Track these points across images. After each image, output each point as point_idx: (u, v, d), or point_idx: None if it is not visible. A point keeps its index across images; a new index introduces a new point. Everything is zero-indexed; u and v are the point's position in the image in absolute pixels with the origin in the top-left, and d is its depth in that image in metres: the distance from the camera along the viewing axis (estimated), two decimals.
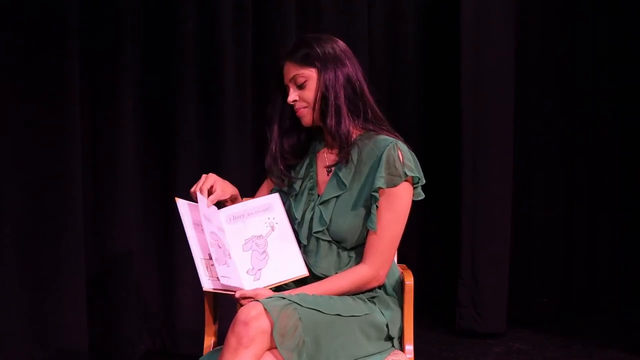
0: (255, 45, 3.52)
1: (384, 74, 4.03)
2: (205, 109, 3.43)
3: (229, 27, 3.41)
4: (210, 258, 2.19)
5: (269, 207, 2.33)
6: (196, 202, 2.25)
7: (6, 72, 3.04)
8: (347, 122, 2.26)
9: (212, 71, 3.42)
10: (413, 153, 2.27)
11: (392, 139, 2.26)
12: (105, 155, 3.29)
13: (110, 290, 3.33)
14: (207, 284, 2.16)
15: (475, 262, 3.81)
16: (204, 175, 2.30)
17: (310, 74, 2.25)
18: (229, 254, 2.24)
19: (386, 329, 2.24)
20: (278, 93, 2.34)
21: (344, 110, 2.25)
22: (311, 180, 2.35)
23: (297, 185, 2.37)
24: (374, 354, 2.20)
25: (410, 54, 4.09)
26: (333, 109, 2.25)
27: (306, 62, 2.25)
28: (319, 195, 2.32)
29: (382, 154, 2.22)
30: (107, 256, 3.32)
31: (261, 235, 2.31)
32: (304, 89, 2.26)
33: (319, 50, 2.26)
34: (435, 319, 4.02)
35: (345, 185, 2.27)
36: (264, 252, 2.29)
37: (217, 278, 2.17)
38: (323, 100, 2.25)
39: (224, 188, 2.32)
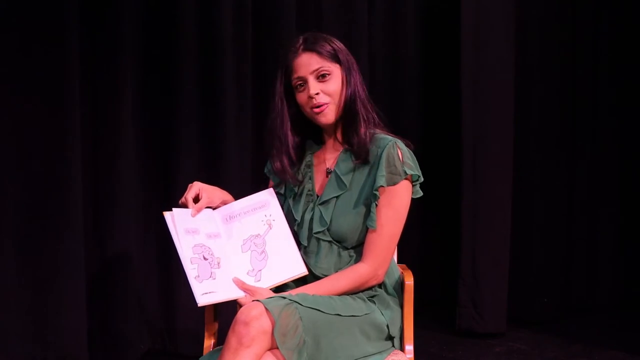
0: (255, 45, 3.52)
1: (384, 74, 4.03)
2: (205, 108, 3.43)
3: (229, 26, 3.41)
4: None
5: (264, 203, 2.32)
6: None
7: (6, 73, 3.04)
8: (366, 124, 2.26)
9: (212, 71, 3.41)
10: (411, 151, 2.27)
11: (391, 137, 2.26)
12: (105, 155, 3.29)
13: (110, 290, 3.33)
14: (201, 300, 2.15)
15: (475, 262, 3.82)
16: (189, 185, 2.29)
17: (335, 69, 2.24)
18: (218, 263, 2.23)
19: (386, 329, 2.24)
20: (282, 94, 2.30)
21: (363, 113, 2.26)
22: (309, 182, 2.35)
23: (295, 187, 2.37)
24: (374, 353, 2.20)
25: (410, 54, 4.09)
26: (358, 109, 2.25)
27: (331, 56, 2.24)
28: (317, 196, 2.32)
29: (382, 153, 2.22)
30: (107, 256, 3.32)
31: (259, 234, 2.30)
32: (327, 82, 2.24)
33: (341, 48, 2.26)
34: (435, 319, 4.02)
35: (345, 185, 2.27)
36: (263, 251, 2.28)
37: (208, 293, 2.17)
38: (348, 98, 2.24)
39: (211, 194, 2.31)
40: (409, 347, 2.28)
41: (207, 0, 3.40)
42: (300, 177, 2.36)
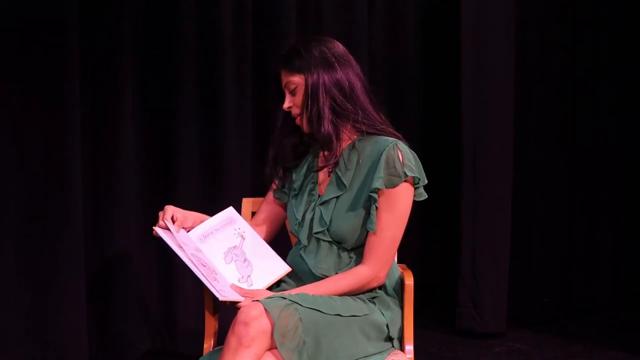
0: (255, 45, 3.52)
1: (384, 74, 4.02)
2: (205, 108, 3.43)
3: (229, 26, 3.41)
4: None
5: (230, 220, 2.37)
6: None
7: (6, 73, 3.04)
8: (328, 126, 2.25)
9: (212, 71, 3.41)
10: (414, 153, 2.27)
11: (392, 139, 2.26)
12: (105, 155, 3.29)
13: (110, 290, 3.33)
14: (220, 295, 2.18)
15: (475, 262, 3.81)
16: (160, 212, 2.31)
17: (298, 81, 2.26)
18: (215, 270, 2.25)
19: (386, 330, 2.24)
20: (281, 95, 2.35)
21: (326, 114, 2.24)
22: (312, 181, 2.36)
23: (297, 185, 2.38)
24: (374, 354, 2.21)
25: (410, 54, 4.09)
26: (315, 113, 2.25)
27: (294, 69, 2.26)
28: (319, 196, 2.32)
29: (381, 154, 2.22)
30: (107, 256, 3.32)
31: (236, 246, 2.34)
32: (295, 95, 2.28)
33: (305, 56, 2.26)
34: (435, 319, 4.01)
35: (345, 186, 2.28)
36: (246, 260, 2.33)
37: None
38: (306, 105, 2.26)
39: (185, 215, 2.34)
40: (409, 347, 2.28)
41: (207, 0, 3.40)
42: (302, 175, 2.37)
